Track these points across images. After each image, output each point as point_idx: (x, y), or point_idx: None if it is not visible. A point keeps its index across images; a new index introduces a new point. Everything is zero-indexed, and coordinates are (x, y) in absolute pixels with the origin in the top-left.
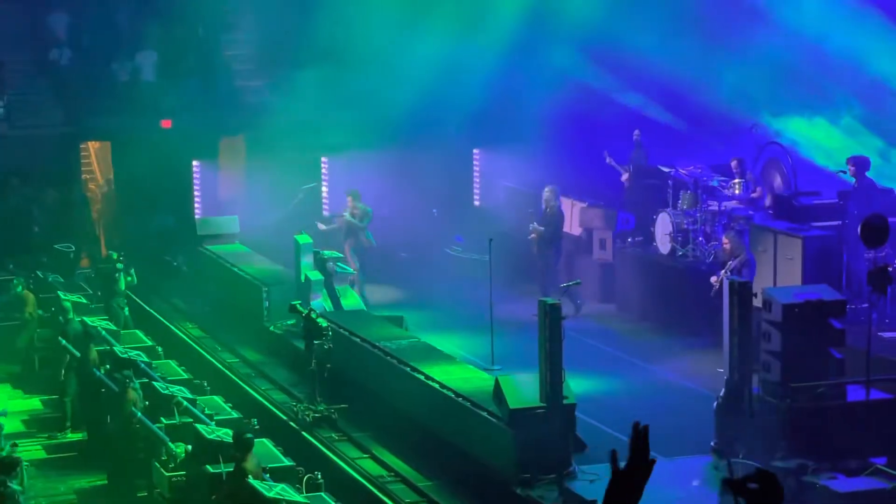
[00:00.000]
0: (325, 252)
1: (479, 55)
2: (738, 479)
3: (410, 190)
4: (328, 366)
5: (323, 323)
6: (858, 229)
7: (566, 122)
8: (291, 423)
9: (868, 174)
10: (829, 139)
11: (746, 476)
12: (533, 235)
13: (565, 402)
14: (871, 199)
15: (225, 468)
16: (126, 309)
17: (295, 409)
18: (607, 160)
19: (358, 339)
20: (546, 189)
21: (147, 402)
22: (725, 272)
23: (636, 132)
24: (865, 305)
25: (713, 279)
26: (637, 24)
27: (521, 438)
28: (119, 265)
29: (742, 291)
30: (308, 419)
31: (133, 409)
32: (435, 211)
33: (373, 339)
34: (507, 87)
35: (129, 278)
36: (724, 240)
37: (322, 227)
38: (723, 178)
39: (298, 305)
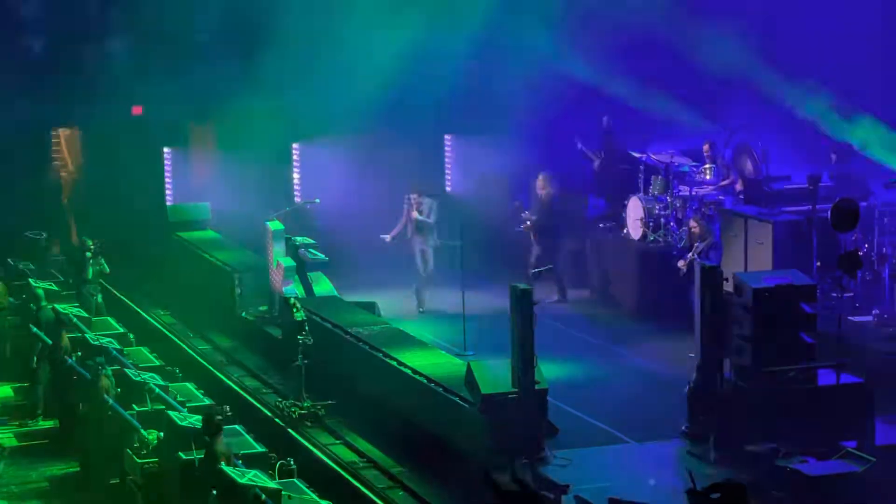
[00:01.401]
0: (297, 238)
1: (451, 40)
2: (702, 489)
3: (382, 176)
4: (306, 361)
5: (300, 316)
6: (829, 213)
7: (537, 107)
8: (264, 410)
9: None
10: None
11: (710, 486)
12: (525, 226)
13: (537, 387)
14: (851, 185)
15: (197, 455)
16: (98, 296)
17: (280, 405)
18: (578, 146)
19: (330, 325)
20: (539, 176)
21: (119, 389)
22: (692, 255)
23: (605, 118)
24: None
25: (681, 263)
26: (608, 5)
27: (494, 423)
28: (88, 253)
29: (712, 276)
30: (294, 416)
31: (105, 396)
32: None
33: (345, 325)
34: (479, 72)
35: (97, 267)
36: (692, 224)
37: (388, 238)
38: (694, 164)
39: (293, 301)
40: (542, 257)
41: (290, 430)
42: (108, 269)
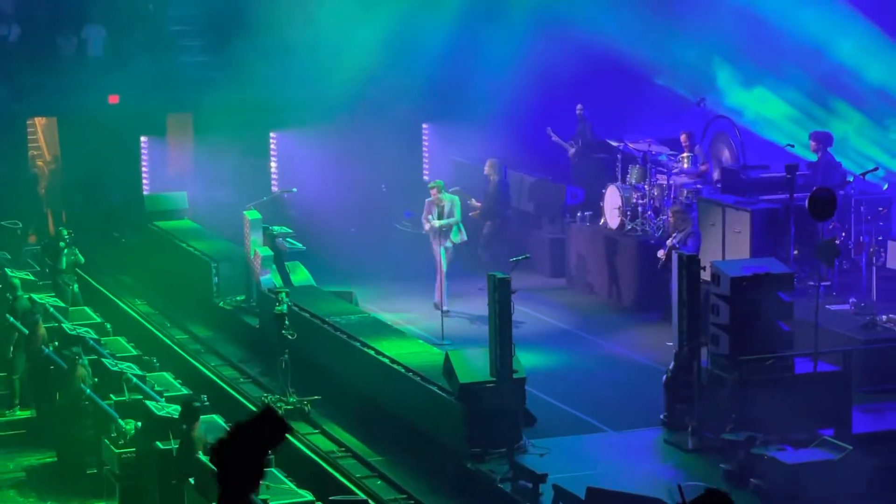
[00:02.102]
0: (275, 227)
1: (429, 29)
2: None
3: (360, 164)
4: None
5: (280, 310)
6: (806, 203)
7: (515, 96)
8: (241, 399)
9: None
10: (777, 113)
11: (696, 499)
12: (473, 213)
13: (515, 376)
14: (830, 174)
15: (174, 444)
16: (75, 286)
17: (266, 401)
18: (551, 136)
19: (308, 315)
20: (487, 162)
21: (96, 379)
22: (671, 244)
23: (579, 107)
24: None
25: (660, 252)
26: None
27: (472, 413)
28: (62, 243)
29: (690, 264)
30: (280, 412)
31: (82, 385)
32: (384, 186)
33: (323, 315)
34: (457, 61)
35: (72, 257)
36: (670, 213)
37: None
38: (671, 153)
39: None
40: (490, 242)
41: None
42: (82, 260)
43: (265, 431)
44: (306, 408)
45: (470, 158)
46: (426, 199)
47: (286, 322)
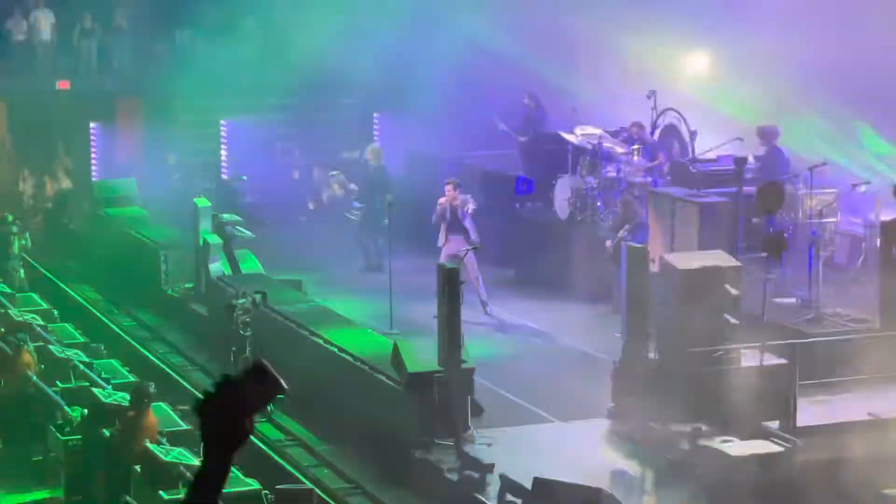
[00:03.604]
0: (224, 215)
1: (380, 19)
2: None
3: (310, 154)
4: (234, 349)
5: (241, 302)
6: (754, 196)
7: (467, 86)
8: (188, 387)
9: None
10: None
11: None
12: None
13: (463, 366)
14: (778, 168)
15: (119, 430)
16: (21, 271)
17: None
18: (500, 126)
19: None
20: (368, 147)
21: (42, 366)
22: (620, 236)
23: (527, 97)
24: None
25: (608, 243)
26: None
27: (420, 402)
28: (13, 228)
29: (639, 256)
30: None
31: (28, 372)
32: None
33: (270, 303)
34: (408, 51)
35: (23, 241)
36: (618, 205)
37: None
38: (622, 145)
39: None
40: (366, 224)
41: None
42: (30, 244)
43: (256, 387)
44: (269, 406)
45: (422, 149)
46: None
47: (247, 319)
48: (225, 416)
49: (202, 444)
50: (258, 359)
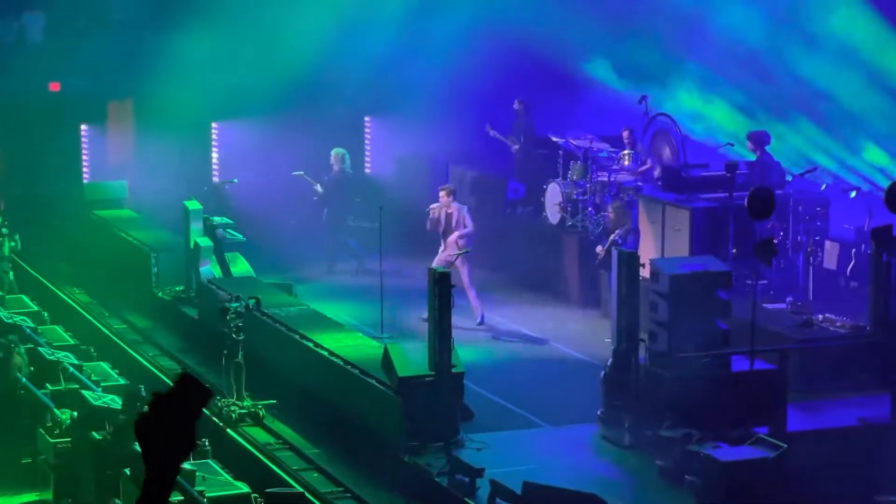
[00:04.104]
0: (215, 218)
1: (372, 21)
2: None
3: (301, 157)
4: (224, 352)
5: (234, 306)
6: (745, 201)
7: (458, 90)
8: None
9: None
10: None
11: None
12: (315, 197)
13: (454, 370)
14: (769, 173)
15: (110, 433)
16: (10, 273)
17: (219, 404)
18: (490, 132)
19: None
20: (332, 152)
21: (32, 368)
22: (611, 241)
23: (517, 102)
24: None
25: (598, 249)
26: None
27: (410, 406)
28: (2, 230)
29: (630, 262)
30: (233, 416)
31: (18, 374)
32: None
33: (262, 307)
34: (399, 54)
35: (12, 243)
36: (610, 210)
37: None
38: (613, 149)
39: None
40: (332, 228)
41: (214, 419)
42: (20, 247)
43: (186, 398)
44: (260, 412)
45: (412, 152)
46: (430, 207)
47: (239, 324)
48: (163, 431)
49: (146, 464)
50: (183, 371)
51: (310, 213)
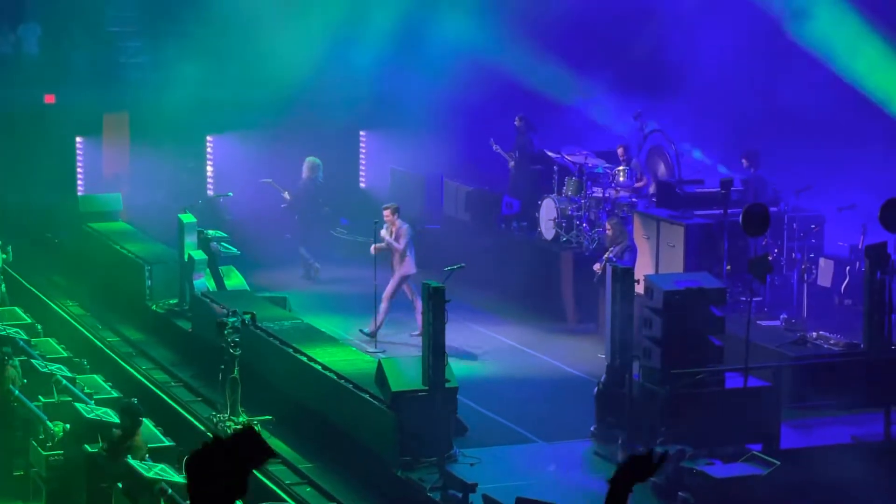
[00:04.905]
0: (209, 231)
1: (367, 36)
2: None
3: (296, 171)
4: (221, 367)
5: (231, 320)
6: (740, 218)
7: (453, 104)
8: (172, 403)
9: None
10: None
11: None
12: (284, 201)
13: (447, 385)
14: (762, 190)
15: (103, 447)
16: (3, 286)
17: (214, 419)
18: (493, 147)
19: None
20: (306, 160)
21: (25, 380)
22: (607, 258)
23: (517, 118)
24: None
25: (596, 266)
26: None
27: (403, 421)
28: None
29: (624, 278)
30: (228, 431)
31: (11, 387)
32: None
33: (257, 321)
34: (395, 68)
35: (4, 255)
36: (607, 226)
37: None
38: (608, 165)
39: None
40: (302, 236)
41: (193, 419)
42: (11, 258)
43: (243, 451)
44: (256, 427)
45: (407, 166)
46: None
47: (236, 338)
48: (212, 475)
49: (192, 497)
50: (249, 425)
51: (278, 221)
